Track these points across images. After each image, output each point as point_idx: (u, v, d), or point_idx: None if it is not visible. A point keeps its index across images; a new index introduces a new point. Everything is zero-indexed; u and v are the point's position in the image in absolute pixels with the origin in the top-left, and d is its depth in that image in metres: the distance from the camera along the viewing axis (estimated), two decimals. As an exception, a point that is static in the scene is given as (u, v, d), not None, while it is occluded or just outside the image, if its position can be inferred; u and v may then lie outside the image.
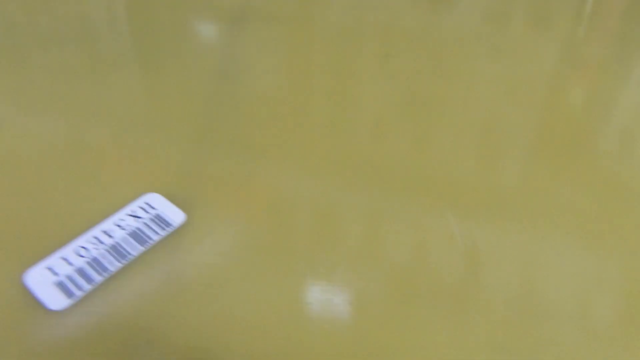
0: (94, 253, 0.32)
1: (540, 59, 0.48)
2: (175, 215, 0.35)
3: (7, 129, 0.39)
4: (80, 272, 0.31)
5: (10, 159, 0.39)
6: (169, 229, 0.34)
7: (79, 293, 0.30)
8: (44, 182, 0.38)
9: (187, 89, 0.43)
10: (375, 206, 0.33)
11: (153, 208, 0.35)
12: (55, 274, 0.31)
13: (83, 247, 0.33)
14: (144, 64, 0.44)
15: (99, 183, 0.38)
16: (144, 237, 0.33)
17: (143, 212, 0.35)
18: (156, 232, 0.34)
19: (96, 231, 0.34)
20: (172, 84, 0.44)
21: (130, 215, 0.35)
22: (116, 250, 0.33)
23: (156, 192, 0.37)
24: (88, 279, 0.31)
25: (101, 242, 0.33)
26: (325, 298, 0.29)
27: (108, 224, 0.34)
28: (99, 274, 0.31)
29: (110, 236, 0.33)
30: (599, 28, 0.54)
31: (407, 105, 0.41)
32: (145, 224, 0.34)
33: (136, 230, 0.34)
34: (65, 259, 0.32)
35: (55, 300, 0.30)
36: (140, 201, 0.36)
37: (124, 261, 0.32)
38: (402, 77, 0.44)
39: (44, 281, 0.31)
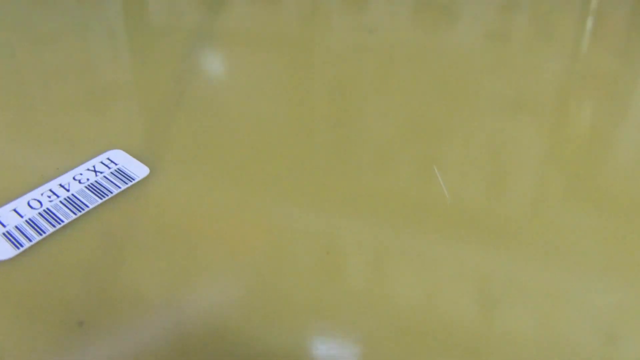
0: (48, 205, 0.30)
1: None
2: (138, 170, 0.33)
3: None
4: (31, 222, 0.29)
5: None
6: (130, 183, 0.32)
7: (27, 243, 0.28)
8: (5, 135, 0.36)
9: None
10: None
11: (115, 163, 0.34)
12: (4, 225, 0.29)
13: (36, 200, 0.31)
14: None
15: (62, 140, 0.36)
16: (103, 190, 0.31)
17: (104, 166, 0.33)
18: (116, 186, 0.32)
19: (52, 185, 0.32)
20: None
21: (90, 170, 0.33)
22: (71, 202, 0.30)
23: (121, 149, 0.35)
24: (38, 229, 0.29)
25: (56, 195, 0.31)
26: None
27: (66, 178, 0.32)
28: (51, 225, 0.29)
29: (66, 189, 0.31)
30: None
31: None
32: (105, 177, 0.32)
33: (94, 183, 0.32)
34: (15, 211, 0.30)
35: (2, 250, 0.28)
36: (103, 157, 0.34)
37: (78, 213, 0.30)
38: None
39: (-9, 231, 0.29)
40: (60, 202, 0.31)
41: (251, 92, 0.42)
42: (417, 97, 0.42)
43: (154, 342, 0.24)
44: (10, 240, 0.28)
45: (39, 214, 0.30)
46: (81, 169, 0.33)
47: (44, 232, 0.29)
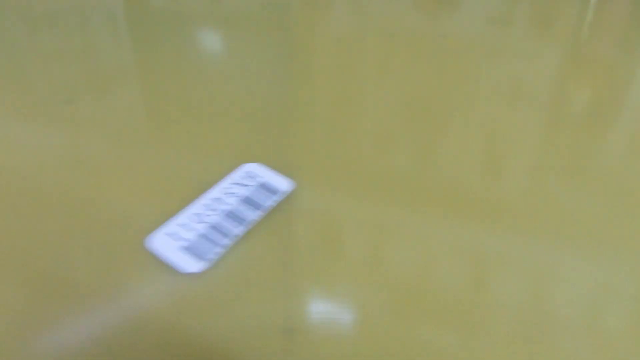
0: (213, 219, 0.31)
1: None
2: (281, 183, 0.34)
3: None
4: (205, 236, 0.30)
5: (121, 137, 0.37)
6: (279, 196, 0.33)
7: (210, 256, 0.29)
8: (144, 157, 0.36)
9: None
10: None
11: (258, 176, 0.35)
12: (179, 239, 0.30)
13: (200, 214, 0.32)
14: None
15: (197, 156, 0.37)
16: (258, 203, 0.33)
17: (248, 180, 0.34)
18: (269, 198, 0.33)
19: (208, 199, 0.33)
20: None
21: (237, 184, 0.34)
22: (234, 216, 0.32)
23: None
24: (215, 242, 0.30)
25: (216, 210, 0.32)
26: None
27: (217, 192, 0.33)
28: (224, 237, 0.30)
29: (224, 203, 0.32)
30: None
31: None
32: (255, 191, 0.33)
33: (247, 198, 0.33)
34: (183, 226, 0.31)
35: (189, 264, 0.28)
36: (242, 170, 0.35)
37: (245, 226, 0.31)
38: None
39: (170, 246, 0.29)
40: (225, 216, 0.31)
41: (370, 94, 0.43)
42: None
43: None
44: (191, 253, 0.29)
45: (208, 227, 0.31)
46: (227, 182, 0.34)
47: (220, 245, 0.30)
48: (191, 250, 0.29)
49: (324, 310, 0.27)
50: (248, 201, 0.33)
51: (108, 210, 0.32)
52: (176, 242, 0.30)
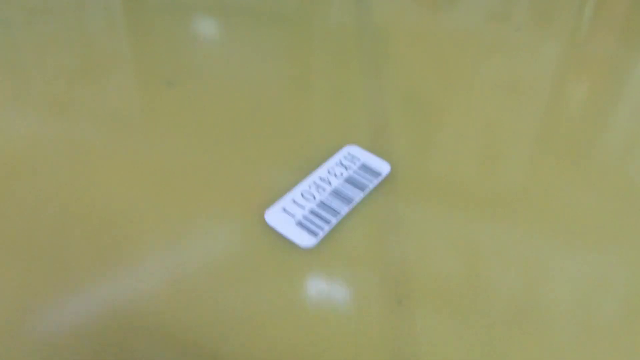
0: (320, 198, 0.35)
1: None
2: (380, 165, 0.37)
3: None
4: (315, 213, 0.34)
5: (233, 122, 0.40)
6: (379, 178, 0.36)
7: (321, 232, 0.33)
8: (252, 134, 0.40)
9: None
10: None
11: (357, 158, 0.38)
12: (292, 215, 0.34)
13: (308, 192, 0.35)
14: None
15: (302, 137, 0.40)
16: (360, 184, 0.36)
17: (349, 162, 0.37)
18: (369, 180, 0.36)
19: (315, 178, 0.36)
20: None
21: (339, 165, 0.37)
22: (340, 195, 0.35)
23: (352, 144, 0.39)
24: (324, 219, 0.33)
25: (322, 189, 0.35)
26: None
27: (323, 172, 0.37)
28: (332, 215, 0.34)
29: (328, 183, 0.36)
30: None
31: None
32: (356, 172, 0.37)
33: (350, 177, 0.36)
34: (295, 202, 0.34)
35: (304, 239, 0.32)
36: (344, 152, 0.38)
37: (350, 204, 0.34)
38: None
39: (286, 221, 0.33)
40: (329, 194, 0.35)
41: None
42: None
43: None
44: (305, 229, 0.33)
45: (317, 205, 0.34)
46: (331, 163, 0.37)
47: (329, 222, 0.33)
48: (304, 225, 0.33)
49: (429, 280, 0.30)
50: (351, 181, 0.36)
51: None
52: (291, 217, 0.33)
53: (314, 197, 0.35)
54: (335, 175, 0.36)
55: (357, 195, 0.35)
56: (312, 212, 0.34)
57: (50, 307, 0.28)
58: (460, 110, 0.42)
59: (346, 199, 0.35)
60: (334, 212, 0.34)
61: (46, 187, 0.35)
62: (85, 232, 0.32)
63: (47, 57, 0.45)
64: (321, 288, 0.30)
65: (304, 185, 0.36)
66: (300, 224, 0.33)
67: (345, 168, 0.37)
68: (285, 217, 0.33)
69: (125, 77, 0.44)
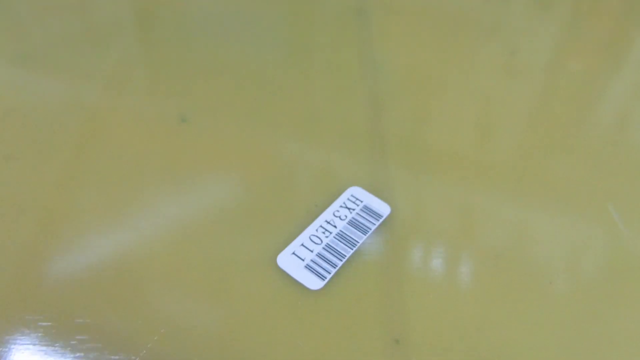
0: (327, 241, 0.38)
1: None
2: (381, 207, 0.41)
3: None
4: (321, 257, 0.37)
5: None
6: (380, 220, 0.40)
7: (328, 275, 0.36)
8: (268, 184, 0.44)
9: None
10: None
11: (360, 200, 0.41)
12: (302, 258, 0.37)
13: (315, 236, 0.39)
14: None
15: (308, 180, 0.44)
16: (363, 226, 0.39)
17: (352, 204, 0.41)
18: (371, 222, 0.40)
19: (321, 221, 0.40)
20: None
21: (343, 207, 0.41)
22: (344, 238, 0.39)
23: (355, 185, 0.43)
24: (330, 263, 0.37)
25: (329, 232, 0.39)
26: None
27: (328, 215, 0.40)
28: (338, 258, 0.37)
29: (333, 226, 0.39)
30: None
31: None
32: (358, 214, 0.40)
33: (353, 220, 0.40)
34: (304, 246, 0.38)
35: (312, 282, 0.36)
36: (348, 194, 0.42)
37: (353, 247, 0.38)
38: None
39: (296, 265, 0.37)
40: (335, 237, 0.39)
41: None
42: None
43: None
44: (313, 272, 0.37)
45: (324, 248, 0.38)
46: (336, 206, 0.41)
47: (335, 265, 0.37)
48: (312, 269, 0.37)
49: (426, 321, 0.34)
50: (354, 224, 0.40)
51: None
52: (301, 261, 0.37)
53: (321, 241, 0.38)
54: (340, 217, 0.40)
55: (360, 238, 0.39)
56: (319, 255, 0.38)
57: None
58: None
59: (350, 242, 0.38)
60: (340, 254, 0.38)
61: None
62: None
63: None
64: (323, 328, 0.34)
65: (312, 229, 0.39)
66: (308, 267, 0.37)
67: (349, 210, 0.41)
68: (295, 260, 0.37)
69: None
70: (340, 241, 0.38)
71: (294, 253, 0.38)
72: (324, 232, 0.39)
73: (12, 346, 0.30)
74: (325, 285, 0.36)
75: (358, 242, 0.38)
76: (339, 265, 0.37)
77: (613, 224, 0.39)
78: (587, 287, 0.35)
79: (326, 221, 0.40)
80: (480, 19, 0.54)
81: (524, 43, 0.51)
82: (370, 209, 0.41)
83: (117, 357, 0.30)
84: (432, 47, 0.52)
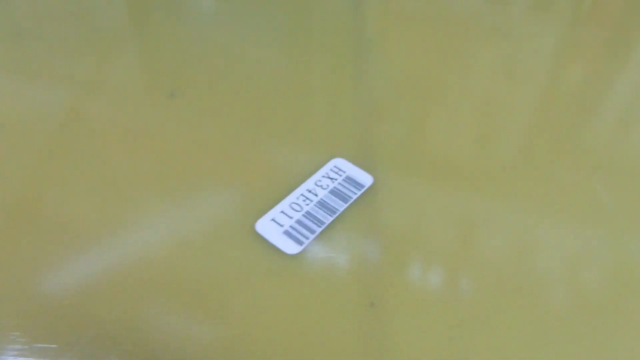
0: (307, 208, 0.38)
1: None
2: (363, 177, 0.41)
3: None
4: (300, 223, 0.37)
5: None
6: (362, 189, 0.40)
7: (305, 240, 0.36)
8: (251, 151, 0.44)
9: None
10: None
11: (342, 171, 0.41)
12: (280, 225, 0.37)
13: (296, 204, 0.39)
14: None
15: (291, 152, 0.44)
16: (344, 195, 0.39)
17: (335, 174, 0.41)
18: (353, 192, 0.40)
19: (302, 190, 0.40)
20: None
21: (326, 177, 0.41)
22: (324, 206, 0.38)
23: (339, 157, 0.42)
24: (309, 229, 0.37)
25: (309, 200, 0.39)
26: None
27: (310, 184, 0.40)
28: (316, 225, 0.37)
29: (315, 194, 0.39)
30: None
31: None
32: (340, 184, 0.40)
33: (335, 189, 0.40)
34: (284, 213, 0.38)
35: (290, 246, 0.36)
36: (331, 164, 0.42)
37: (333, 215, 0.38)
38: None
39: (274, 230, 0.37)
40: (315, 205, 0.38)
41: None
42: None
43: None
44: (291, 237, 0.36)
45: (303, 215, 0.38)
46: (318, 175, 0.41)
47: (314, 232, 0.37)
48: (291, 234, 0.37)
49: (402, 285, 0.34)
50: (336, 193, 0.39)
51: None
52: (280, 227, 0.37)
53: (302, 208, 0.38)
54: (322, 187, 0.40)
55: (341, 206, 0.38)
56: (299, 222, 0.37)
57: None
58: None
59: (330, 210, 0.38)
60: (319, 221, 0.37)
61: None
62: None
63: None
64: (300, 291, 0.34)
65: (293, 197, 0.39)
66: (287, 233, 0.37)
67: (332, 180, 0.40)
68: (274, 226, 0.37)
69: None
70: (321, 209, 0.38)
71: (273, 219, 0.38)
72: (304, 200, 0.39)
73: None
74: (304, 250, 0.36)
75: (338, 210, 0.38)
76: (318, 232, 0.37)
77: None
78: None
79: (308, 190, 0.40)
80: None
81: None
82: (353, 179, 0.40)
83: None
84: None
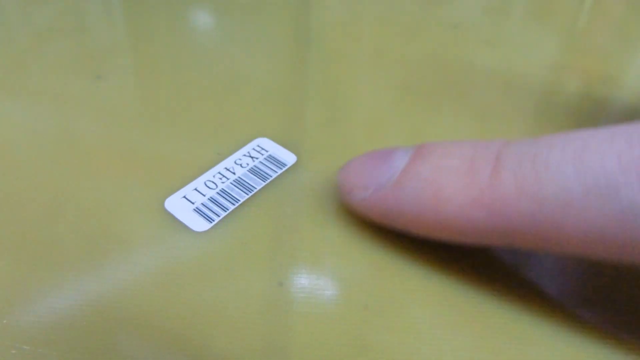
0: (222, 186, 0.36)
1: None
2: (287, 157, 0.39)
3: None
4: (213, 200, 0.35)
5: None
6: (283, 168, 0.38)
7: (216, 218, 0.34)
8: (169, 131, 0.42)
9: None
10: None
11: (265, 150, 0.39)
12: (192, 202, 0.35)
13: (211, 181, 0.37)
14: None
15: (215, 130, 0.42)
16: (263, 174, 0.37)
17: (257, 153, 0.39)
18: (273, 170, 0.38)
19: (220, 168, 0.38)
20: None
21: (247, 156, 0.39)
22: (241, 184, 0.36)
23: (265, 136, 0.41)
24: (221, 206, 0.35)
25: (226, 178, 0.37)
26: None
27: (229, 163, 0.38)
28: (230, 203, 0.35)
29: (232, 172, 0.37)
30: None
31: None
32: (262, 162, 0.38)
33: (254, 167, 0.38)
34: (197, 190, 0.36)
35: (198, 224, 0.34)
36: (254, 144, 0.40)
37: (250, 193, 0.36)
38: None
39: (183, 208, 0.35)
40: (231, 183, 0.36)
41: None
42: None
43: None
44: (201, 215, 0.34)
45: (217, 193, 0.36)
46: (239, 154, 0.39)
47: (227, 209, 0.35)
48: (201, 212, 0.34)
49: (313, 266, 0.32)
50: (255, 171, 0.37)
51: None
52: (191, 204, 0.35)
53: (217, 186, 0.36)
54: (241, 165, 0.38)
55: (258, 184, 0.36)
56: (212, 199, 0.35)
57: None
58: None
59: (247, 188, 0.36)
60: (234, 199, 0.35)
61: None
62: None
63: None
64: (207, 268, 0.32)
65: (209, 175, 0.37)
66: (197, 210, 0.34)
67: (253, 159, 0.38)
68: (185, 203, 0.35)
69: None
70: (237, 187, 0.36)
71: (184, 197, 0.35)
72: (220, 179, 0.37)
73: None
74: (214, 228, 0.34)
75: (255, 188, 0.36)
76: (230, 209, 0.35)
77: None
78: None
79: (225, 168, 0.38)
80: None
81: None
82: (275, 158, 0.39)
83: None
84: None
